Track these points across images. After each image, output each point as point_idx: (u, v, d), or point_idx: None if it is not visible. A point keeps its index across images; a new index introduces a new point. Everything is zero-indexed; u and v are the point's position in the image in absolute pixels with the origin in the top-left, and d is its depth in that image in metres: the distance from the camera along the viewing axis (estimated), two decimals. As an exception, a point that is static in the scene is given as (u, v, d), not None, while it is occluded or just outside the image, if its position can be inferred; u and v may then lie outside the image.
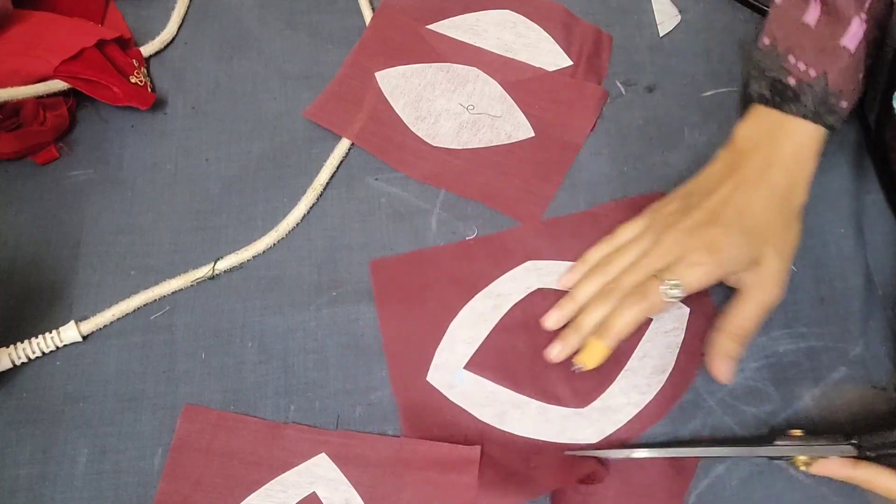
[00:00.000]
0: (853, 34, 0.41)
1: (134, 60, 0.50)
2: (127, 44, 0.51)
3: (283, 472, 0.39)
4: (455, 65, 0.52)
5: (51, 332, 0.42)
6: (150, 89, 0.50)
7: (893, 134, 0.46)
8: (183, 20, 0.54)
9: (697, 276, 0.38)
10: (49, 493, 0.39)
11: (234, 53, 0.53)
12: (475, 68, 0.52)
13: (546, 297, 0.44)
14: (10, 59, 0.46)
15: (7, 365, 0.41)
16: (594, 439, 0.41)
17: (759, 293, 0.40)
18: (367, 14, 0.54)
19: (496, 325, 0.43)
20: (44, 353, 0.42)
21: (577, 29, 0.54)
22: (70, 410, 0.41)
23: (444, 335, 0.43)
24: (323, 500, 0.39)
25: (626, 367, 0.42)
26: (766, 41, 0.44)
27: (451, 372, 0.42)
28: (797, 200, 0.41)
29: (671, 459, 0.40)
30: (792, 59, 0.42)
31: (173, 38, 0.53)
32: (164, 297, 0.44)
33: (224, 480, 0.39)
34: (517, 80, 0.51)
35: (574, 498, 0.38)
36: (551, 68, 0.52)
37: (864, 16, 0.40)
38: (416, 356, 0.42)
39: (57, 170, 0.48)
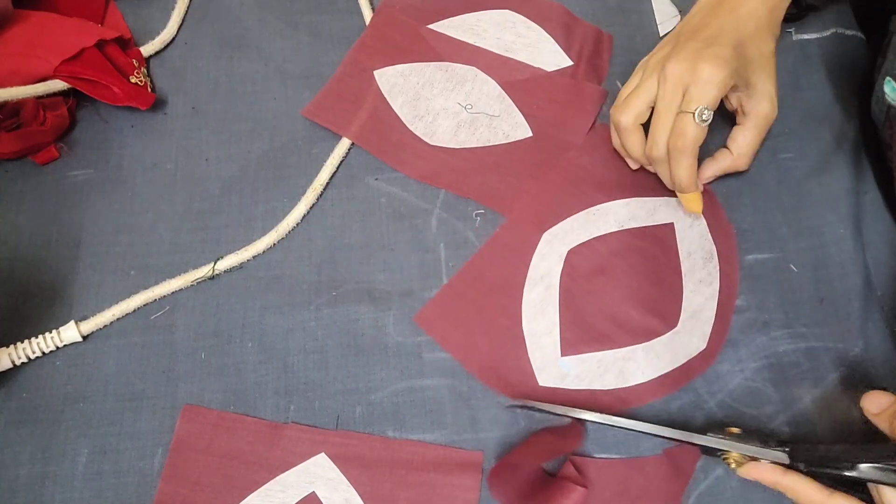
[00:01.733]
0: None
1: (134, 60, 0.50)
2: (127, 44, 0.51)
3: (283, 472, 0.39)
4: (453, 64, 0.52)
5: (51, 332, 0.42)
6: (150, 89, 0.50)
7: (891, 132, 0.46)
8: (183, 20, 0.54)
9: (715, 91, 0.39)
10: (49, 493, 0.39)
11: (234, 53, 0.53)
12: (474, 68, 0.52)
13: (578, 253, 0.45)
14: (10, 59, 0.46)
15: (7, 365, 0.41)
16: (703, 345, 0.43)
17: (760, 114, 0.43)
18: (367, 14, 0.54)
19: (559, 304, 0.44)
20: (44, 353, 0.42)
21: (577, 29, 0.54)
22: (70, 410, 0.41)
23: (524, 339, 0.43)
24: (322, 500, 0.39)
25: (684, 271, 0.45)
26: None
27: (554, 366, 0.42)
28: (775, 32, 0.43)
29: (670, 459, 0.40)
30: None
31: (173, 38, 0.53)
32: (164, 297, 0.44)
33: (224, 480, 0.39)
34: (515, 79, 0.51)
35: (571, 498, 0.38)
36: (551, 68, 0.52)
37: None
38: (515, 372, 0.42)
39: (57, 170, 0.48)
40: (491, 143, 0.49)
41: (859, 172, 0.48)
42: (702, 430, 0.38)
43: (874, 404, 0.36)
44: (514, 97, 0.51)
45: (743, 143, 0.44)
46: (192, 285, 0.44)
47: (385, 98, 0.50)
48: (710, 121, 0.40)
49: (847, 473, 0.34)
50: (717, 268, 0.45)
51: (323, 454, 0.40)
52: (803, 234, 0.46)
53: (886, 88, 0.40)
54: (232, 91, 0.51)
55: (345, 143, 0.49)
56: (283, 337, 0.43)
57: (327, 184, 0.48)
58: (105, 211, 0.47)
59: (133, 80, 0.48)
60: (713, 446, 0.37)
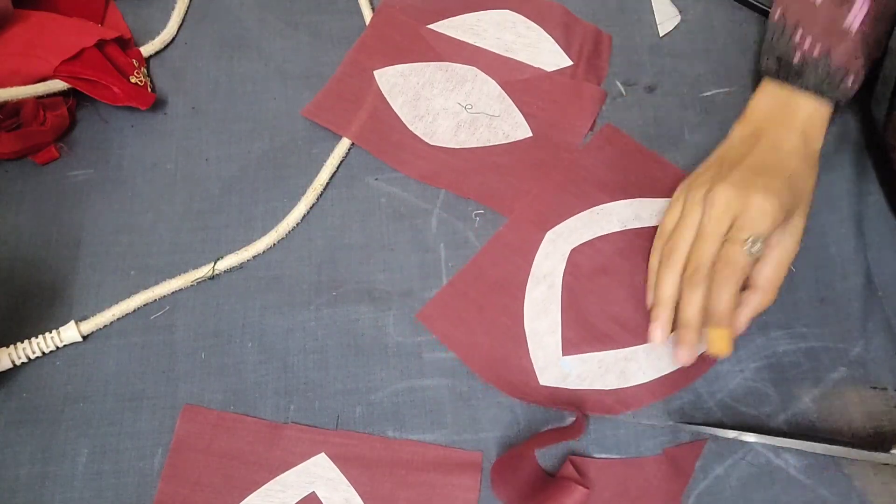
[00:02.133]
0: (856, 14, 0.42)
1: (134, 60, 0.50)
2: (127, 44, 0.51)
3: (283, 472, 0.39)
4: (453, 64, 0.52)
5: (51, 332, 0.42)
6: (150, 89, 0.50)
7: (894, 133, 0.46)
8: (183, 20, 0.54)
9: (769, 222, 0.38)
10: (49, 493, 0.39)
11: (234, 53, 0.53)
12: (474, 68, 0.52)
13: (581, 252, 0.45)
14: (10, 59, 0.46)
15: (7, 365, 0.41)
16: (704, 347, 0.41)
17: (789, 248, 0.41)
18: (367, 14, 0.54)
19: (562, 303, 0.44)
20: (44, 353, 0.42)
21: (577, 29, 0.54)
22: (70, 410, 0.41)
23: (525, 338, 0.43)
24: (322, 500, 0.39)
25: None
26: (777, 14, 0.45)
27: (556, 365, 0.42)
28: (815, 171, 0.42)
29: (670, 459, 0.40)
30: (798, 35, 0.43)
31: (173, 38, 0.53)
32: (164, 297, 0.44)
33: (224, 480, 0.39)
34: (515, 79, 0.51)
35: (573, 498, 0.38)
36: (551, 68, 0.52)
37: None
38: (516, 371, 0.42)
39: (57, 170, 0.48)
40: (491, 143, 0.49)
41: (861, 173, 0.48)
42: (879, 448, 0.38)
43: None
44: (514, 97, 0.51)
45: (772, 278, 0.40)
46: (192, 285, 0.44)
47: (385, 98, 0.50)
48: (759, 255, 0.38)
49: None
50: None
51: (323, 454, 0.40)
52: (804, 234, 0.46)
53: None
54: (232, 91, 0.51)
55: (345, 143, 0.49)
56: (283, 337, 0.43)
57: (327, 184, 0.48)
58: (105, 211, 0.47)
59: (133, 80, 0.48)
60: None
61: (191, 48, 0.53)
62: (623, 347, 0.43)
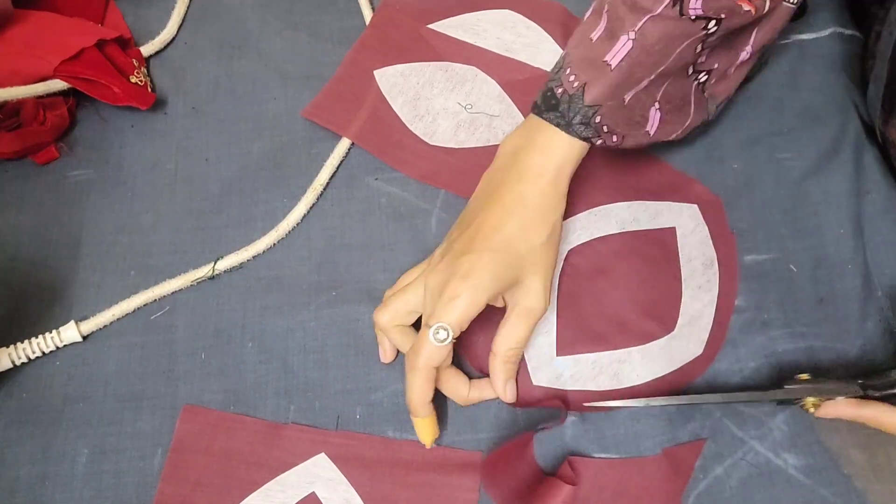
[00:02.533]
0: (617, 51, 0.39)
1: (134, 60, 0.50)
2: (127, 44, 0.51)
3: (283, 472, 0.39)
4: (453, 64, 0.52)
5: (51, 332, 0.42)
6: (150, 89, 0.50)
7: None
8: (183, 20, 0.54)
9: (458, 310, 0.36)
10: (49, 493, 0.39)
11: (234, 53, 0.53)
12: (474, 67, 0.52)
13: (579, 253, 0.45)
14: (10, 59, 0.46)
15: (7, 365, 0.41)
16: (700, 350, 0.43)
17: (528, 312, 0.39)
18: (367, 14, 0.54)
19: (558, 303, 0.44)
20: (44, 353, 0.42)
21: (577, 29, 0.54)
22: (70, 410, 0.41)
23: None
24: (322, 500, 0.39)
25: (684, 282, 0.44)
26: (563, 52, 0.43)
27: (549, 365, 0.42)
28: (552, 216, 0.40)
29: (670, 459, 0.40)
30: (567, 69, 0.41)
31: (173, 38, 0.53)
32: (164, 297, 0.44)
33: (223, 481, 0.39)
34: (515, 79, 0.52)
35: (570, 497, 0.38)
36: (551, 68, 0.52)
37: (633, 34, 0.38)
38: None
39: (57, 170, 0.48)
40: (491, 143, 0.49)
41: (859, 172, 0.48)
42: (774, 386, 0.39)
43: None
44: (514, 97, 0.51)
45: (503, 342, 0.38)
46: (192, 285, 0.44)
47: (385, 98, 0.50)
48: (447, 341, 0.36)
49: None
50: (717, 274, 0.45)
51: (323, 454, 0.40)
52: (802, 235, 0.46)
53: None
54: (232, 91, 0.51)
55: (345, 143, 0.49)
56: (283, 337, 0.43)
57: (327, 184, 0.48)
58: (105, 211, 0.47)
59: (133, 80, 0.49)
60: (790, 397, 0.38)
61: (191, 48, 0.53)
62: (617, 349, 0.43)
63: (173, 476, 0.39)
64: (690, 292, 0.44)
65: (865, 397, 0.37)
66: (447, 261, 0.38)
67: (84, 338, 0.42)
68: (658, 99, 0.41)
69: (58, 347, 0.42)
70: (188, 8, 0.54)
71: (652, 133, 0.42)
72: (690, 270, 0.45)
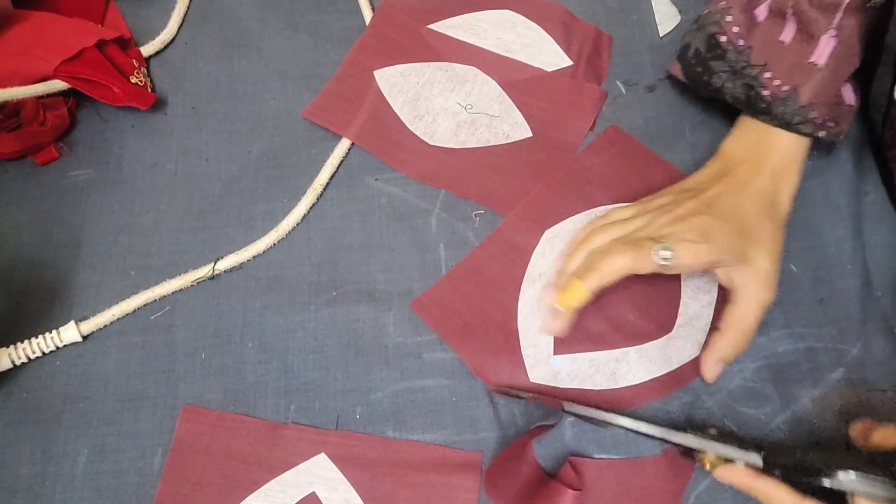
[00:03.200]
0: (822, 51, 0.42)
1: (134, 60, 0.50)
2: (127, 44, 0.51)
3: (283, 472, 0.39)
4: (454, 64, 0.52)
5: (51, 332, 0.42)
6: (150, 89, 0.50)
7: (893, 132, 0.46)
8: (183, 20, 0.54)
9: (689, 252, 0.37)
10: (49, 493, 0.39)
11: (234, 53, 0.53)
12: (474, 68, 0.52)
13: None
14: (10, 59, 0.46)
15: (7, 365, 0.41)
16: (697, 352, 0.42)
17: (755, 293, 0.39)
18: (367, 14, 0.54)
19: None
20: (44, 353, 0.42)
21: (577, 29, 0.54)
22: (70, 410, 0.41)
23: (518, 335, 0.43)
24: (322, 500, 0.39)
25: (684, 283, 0.44)
26: (740, 43, 0.44)
27: (546, 363, 0.42)
28: (783, 209, 0.42)
29: (670, 459, 0.40)
30: (768, 74, 0.43)
31: (173, 38, 0.53)
32: (164, 297, 0.44)
33: (223, 481, 0.39)
34: (516, 79, 0.51)
35: (570, 498, 0.38)
36: (551, 68, 0.52)
37: (833, 32, 0.41)
38: (507, 367, 0.42)
39: (57, 170, 0.48)
40: (491, 144, 0.49)
41: (860, 173, 0.48)
42: (682, 429, 0.38)
43: (854, 429, 0.37)
44: (514, 97, 0.51)
45: (733, 322, 0.40)
46: (192, 285, 0.44)
47: (385, 98, 0.50)
48: (667, 262, 0.37)
49: (825, 482, 0.33)
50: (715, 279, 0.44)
51: (323, 454, 0.40)
52: (803, 234, 0.46)
53: None
54: (232, 91, 0.51)
55: (345, 143, 0.49)
56: (283, 337, 0.43)
57: (327, 184, 0.48)
58: (105, 211, 0.47)
59: (133, 80, 0.48)
60: (688, 445, 0.37)
61: (191, 48, 0.53)
62: (614, 348, 0.43)
63: (173, 476, 0.39)
64: (689, 293, 0.44)
65: (765, 472, 0.36)
66: (682, 213, 0.40)
67: (84, 338, 0.42)
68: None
69: (58, 347, 0.42)
70: (188, 8, 0.54)
71: (854, 106, 0.44)
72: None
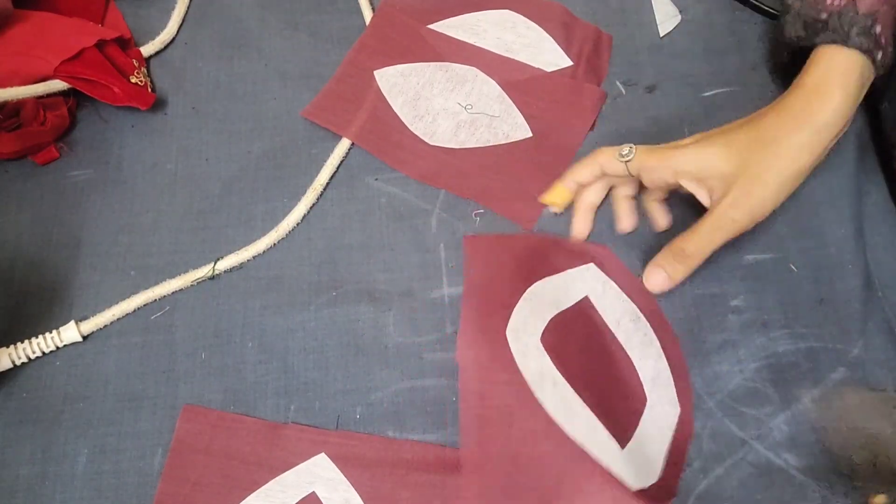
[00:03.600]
0: None
1: (134, 60, 0.50)
2: (127, 44, 0.51)
3: (283, 472, 0.39)
4: (454, 64, 0.52)
5: (51, 332, 0.42)
6: (150, 89, 0.50)
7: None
8: (183, 20, 0.54)
9: (647, 152, 0.39)
10: (49, 493, 0.39)
11: (234, 53, 0.53)
12: (474, 68, 0.52)
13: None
14: (10, 59, 0.46)
15: (7, 365, 0.41)
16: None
17: (727, 218, 0.38)
18: (367, 14, 0.54)
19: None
20: (44, 353, 0.42)
21: (577, 29, 0.54)
22: (70, 410, 0.41)
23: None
24: (322, 500, 0.39)
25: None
26: None
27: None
28: (820, 131, 0.38)
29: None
30: None
31: (173, 38, 0.53)
32: (164, 297, 0.44)
33: (223, 481, 0.39)
34: (516, 80, 0.52)
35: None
36: (551, 68, 0.52)
37: None
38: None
39: (57, 170, 0.48)
40: (491, 144, 0.49)
41: (861, 173, 0.48)
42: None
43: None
44: (514, 97, 0.51)
45: (694, 238, 0.39)
46: (192, 285, 0.44)
47: (385, 98, 0.50)
48: (625, 158, 0.40)
49: None
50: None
51: (323, 454, 0.40)
52: (803, 235, 0.46)
53: None
54: (232, 91, 0.51)
55: (345, 143, 0.49)
56: (283, 337, 0.43)
57: (327, 184, 0.48)
58: (105, 211, 0.47)
59: (133, 80, 0.48)
60: None
61: (191, 48, 0.53)
62: (576, 393, 0.40)
63: (173, 476, 0.39)
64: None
65: None
66: (714, 133, 0.40)
67: (84, 338, 0.42)
68: None
69: (58, 347, 0.42)
70: (188, 8, 0.54)
71: None
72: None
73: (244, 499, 0.39)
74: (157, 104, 0.50)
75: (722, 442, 0.41)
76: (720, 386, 0.42)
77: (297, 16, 0.55)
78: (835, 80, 0.39)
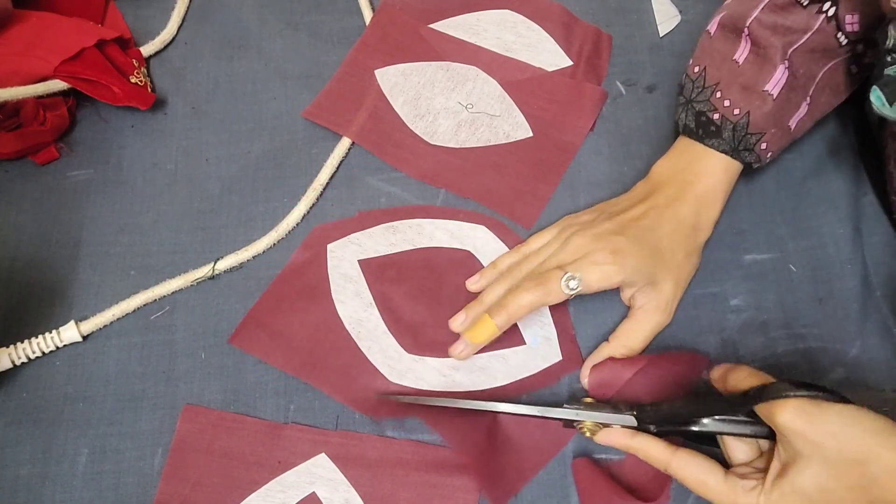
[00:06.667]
0: (777, 80, 0.41)
1: (134, 60, 0.50)
2: (127, 44, 0.51)
3: (283, 472, 0.39)
4: (454, 63, 0.52)
5: (51, 332, 0.42)
6: (150, 89, 0.50)
7: (887, 133, 0.46)
8: (183, 20, 0.54)
9: (598, 274, 0.38)
10: (49, 493, 0.39)
11: (234, 53, 0.53)
12: (475, 67, 0.52)
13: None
14: (10, 59, 0.46)
15: (7, 365, 0.41)
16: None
17: (652, 315, 0.41)
18: (367, 14, 0.54)
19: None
20: (44, 353, 0.42)
21: (577, 29, 0.54)
22: (70, 410, 0.41)
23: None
24: (322, 500, 0.39)
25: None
26: (696, 69, 0.45)
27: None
28: (701, 236, 0.43)
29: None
30: (718, 93, 0.43)
31: (173, 38, 0.53)
32: (164, 297, 0.44)
33: (224, 480, 0.39)
34: (516, 79, 0.52)
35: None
36: (551, 68, 0.52)
37: (786, 63, 0.41)
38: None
39: (57, 170, 0.48)
40: (491, 143, 0.49)
41: (859, 173, 0.48)
42: (558, 405, 0.38)
43: (715, 373, 0.38)
44: (514, 97, 0.51)
45: (623, 335, 0.41)
46: (192, 285, 0.44)
47: (386, 97, 0.50)
48: (573, 292, 0.38)
49: (692, 429, 0.35)
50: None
51: (323, 454, 0.40)
52: (802, 235, 0.46)
53: (872, 97, 0.40)
54: (232, 91, 0.51)
55: (345, 143, 0.49)
56: (283, 337, 0.43)
57: (327, 184, 0.48)
58: (105, 211, 0.47)
59: (133, 80, 0.48)
60: (568, 417, 0.38)
61: (191, 48, 0.53)
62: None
63: (173, 476, 0.39)
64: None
65: (640, 430, 0.37)
66: (597, 233, 0.40)
67: (84, 338, 0.42)
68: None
69: (58, 347, 0.42)
70: (188, 8, 0.54)
71: (793, 128, 0.44)
72: None
73: (244, 499, 0.39)
74: (157, 104, 0.50)
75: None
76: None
77: (297, 16, 0.55)
78: (721, 188, 0.43)
